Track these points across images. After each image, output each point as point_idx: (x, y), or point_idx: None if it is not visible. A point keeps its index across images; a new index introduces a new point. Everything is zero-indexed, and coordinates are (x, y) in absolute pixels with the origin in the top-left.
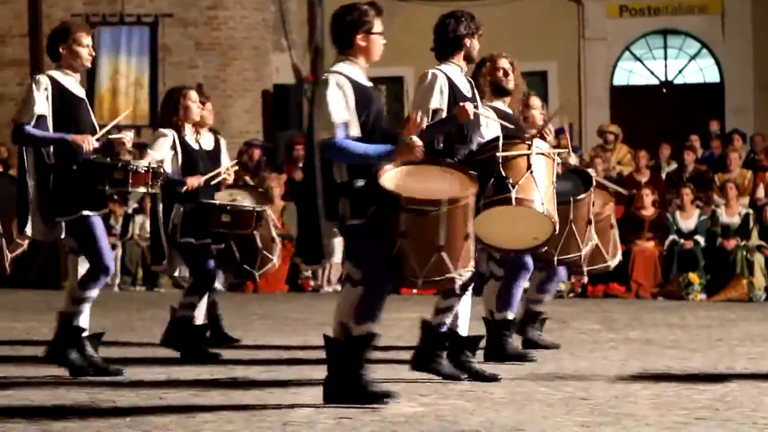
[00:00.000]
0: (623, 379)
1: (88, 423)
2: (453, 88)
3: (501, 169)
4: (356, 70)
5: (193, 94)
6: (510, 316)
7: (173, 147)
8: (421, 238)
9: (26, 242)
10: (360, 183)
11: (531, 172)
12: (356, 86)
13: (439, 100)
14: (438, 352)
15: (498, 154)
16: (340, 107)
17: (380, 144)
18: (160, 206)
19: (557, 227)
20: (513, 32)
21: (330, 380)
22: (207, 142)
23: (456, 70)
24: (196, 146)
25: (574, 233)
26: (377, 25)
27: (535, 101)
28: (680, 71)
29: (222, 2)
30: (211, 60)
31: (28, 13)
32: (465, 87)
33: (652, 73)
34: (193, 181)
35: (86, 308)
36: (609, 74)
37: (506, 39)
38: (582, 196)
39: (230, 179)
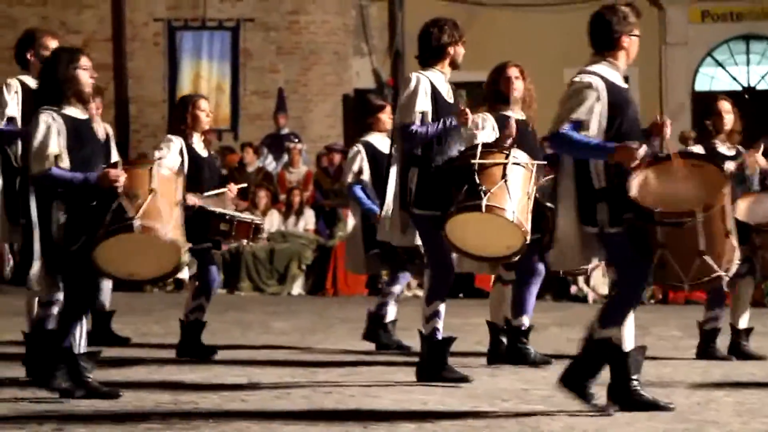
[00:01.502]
0: (705, 386)
1: (171, 424)
2: (435, 92)
3: (476, 176)
4: (614, 73)
5: (203, 103)
6: (526, 322)
7: (180, 153)
8: (681, 246)
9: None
10: (616, 190)
11: (505, 181)
12: (613, 88)
13: (424, 103)
14: (445, 361)
15: (473, 161)
16: (583, 108)
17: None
18: None
19: (528, 238)
20: None
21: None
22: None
23: (439, 77)
24: (203, 154)
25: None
26: (637, 28)
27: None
28: (763, 77)
29: (303, 7)
30: (292, 64)
31: (112, 17)
32: (447, 93)
33: (734, 78)
34: (194, 200)
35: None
36: (690, 80)
37: (586, 43)
38: None
39: (233, 194)
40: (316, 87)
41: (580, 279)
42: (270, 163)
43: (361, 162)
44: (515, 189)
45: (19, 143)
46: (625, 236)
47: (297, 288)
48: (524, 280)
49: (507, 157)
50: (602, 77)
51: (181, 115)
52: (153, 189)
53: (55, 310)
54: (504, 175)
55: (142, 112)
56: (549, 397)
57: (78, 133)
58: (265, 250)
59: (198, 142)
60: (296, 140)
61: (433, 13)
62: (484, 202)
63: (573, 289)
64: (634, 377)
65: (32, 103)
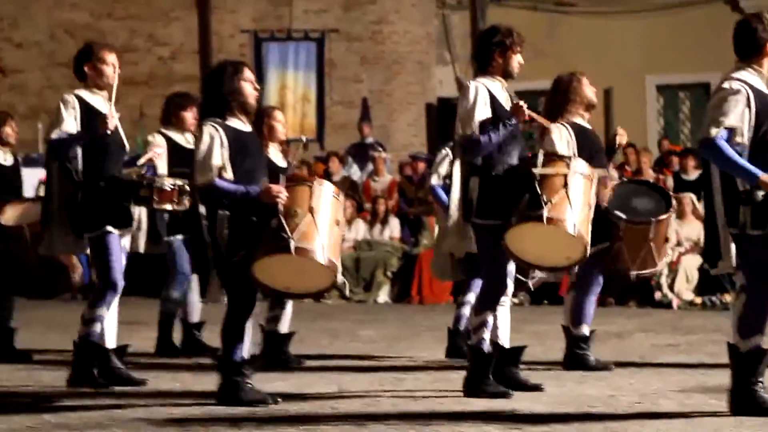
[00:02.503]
0: None
1: (262, 430)
2: (493, 100)
3: (537, 185)
4: (758, 80)
5: (279, 114)
6: (585, 330)
7: None
8: None
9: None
10: (761, 194)
11: (566, 192)
12: (759, 95)
13: (484, 111)
14: (487, 375)
15: (535, 170)
16: (735, 115)
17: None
18: None
19: (588, 249)
20: (675, 43)
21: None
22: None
23: (496, 85)
24: (282, 164)
25: (652, 250)
26: None
27: None
28: None
29: (386, 17)
30: (375, 74)
31: (199, 30)
32: (506, 100)
33: None
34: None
35: (99, 327)
36: None
37: (668, 49)
38: (662, 216)
39: None
40: (399, 96)
41: (664, 285)
42: (355, 172)
43: (447, 165)
44: (576, 199)
45: (80, 158)
46: (766, 240)
47: (383, 296)
48: (584, 289)
49: (568, 166)
50: (749, 84)
51: (257, 127)
52: (312, 207)
53: (98, 327)
54: (565, 185)
55: None
56: (636, 403)
57: (241, 145)
58: (352, 258)
59: (275, 153)
60: (380, 149)
61: (514, 20)
62: (545, 213)
63: (657, 295)
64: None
65: (89, 116)
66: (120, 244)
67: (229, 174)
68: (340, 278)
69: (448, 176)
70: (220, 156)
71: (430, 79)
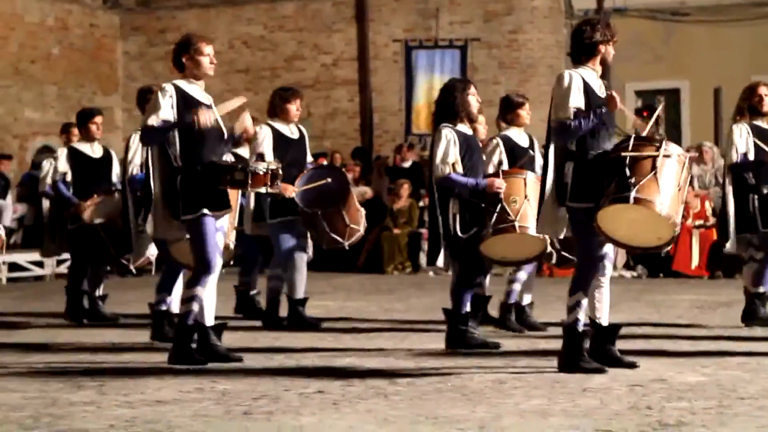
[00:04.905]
0: None
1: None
2: (587, 88)
3: (627, 168)
4: (593, 75)
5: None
6: (761, 289)
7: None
8: None
9: (151, 252)
10: None
11: (654, 174)
12: (587, 87)
13: (578, 98)
14: (582, 352)
15: (624, 154)
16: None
17: None
18: None
19: (678, 229)
20: None
21: None
22: None
23: (591, 73)
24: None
25: None
26: None
27: None
28: None
29: (521, 27)
30: (512, 77)
31: (357, 40)
32: (599, 88)
33: None
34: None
35: (197, 306)
36: None
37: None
38: None
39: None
40: (532, 96)
41: None
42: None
43: (500, 154)
44: (665, 181)
45: (178, 145)
46: None
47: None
48: None
49: (657, 149)
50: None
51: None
52: (527, 195)
53: (196, 306)
54: (653, 168)
55: (384, 121)
56: (744, 363)
57: (467, 146)
58: None
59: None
60: None
61: (635, 29)
62: (632, 194)
63: None
64: None
65: (186, 104)
66: (214, 227)
67: (459, 168)
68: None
69: (501, 163)
70: (454, 154)
71: None
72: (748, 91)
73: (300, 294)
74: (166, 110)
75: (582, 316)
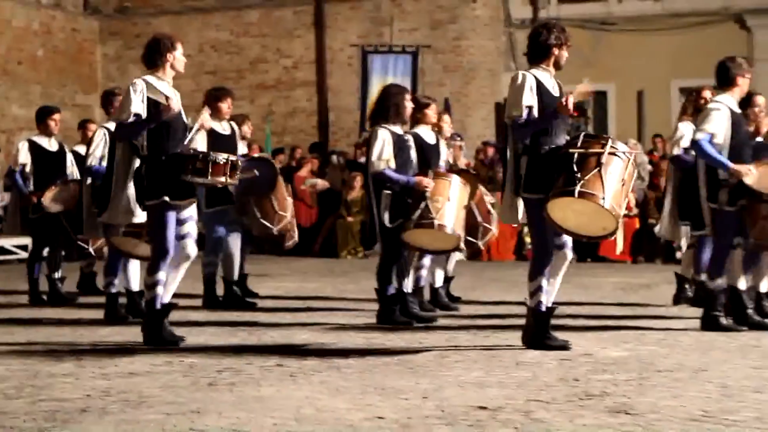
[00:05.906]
0: None
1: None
2: (541, 88)
3: (574, 164)
4: (546, 76)
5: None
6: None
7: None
8: None
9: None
10: (733, 180)
11: (599, 170)
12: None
13: (530, 98)
14: (547, 330)
15: (572, 150)
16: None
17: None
18: None
19: (620, 222)
20: (696, 53)
21: None
22: None
23: (545, 74)
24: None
25: None
26: None
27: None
28: None
29: (464, 34)
30: (455, 80)
31: (315, 44)
32: (553, 88)
33: None
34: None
35: (161, 288)
36: None
37: (691, 58)
38: None
39: None
40: (474, 97)
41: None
42: None
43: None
44: (611, 177)
45: (144, 134)
46: (735, 213)
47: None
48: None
49: (603, 147)
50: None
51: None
52: (449, 197)
53: (160, 289)
54: (599, 164)
55: (339, 118)
56: (662, 339)
57: (398, 144)
58: None
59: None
60: (459, 138)
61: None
62: (577, 189)
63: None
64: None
65: (156, 98)
66: (173, 216)
67: (392, 164)
68: (462, 245)
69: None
70: (388, 152)
71: (498, 83)
72: (694, 93)
73: (234, 276)
74: (137, 104)
75: (544, 299)
